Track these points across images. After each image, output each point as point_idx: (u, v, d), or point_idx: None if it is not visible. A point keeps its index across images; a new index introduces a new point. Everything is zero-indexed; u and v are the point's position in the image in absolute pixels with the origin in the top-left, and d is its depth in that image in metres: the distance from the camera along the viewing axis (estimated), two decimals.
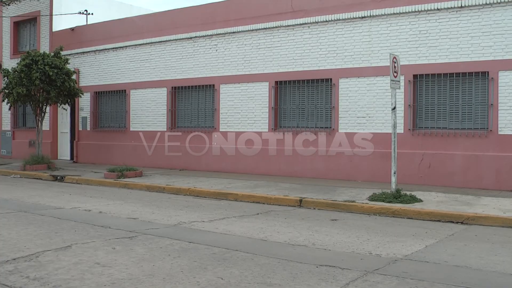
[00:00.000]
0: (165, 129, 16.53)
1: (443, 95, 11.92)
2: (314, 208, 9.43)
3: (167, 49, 16.61)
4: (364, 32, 12.78)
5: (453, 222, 8.07)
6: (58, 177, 14.39)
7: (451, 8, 11.58)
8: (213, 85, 15.52)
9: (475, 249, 6.30)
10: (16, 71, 16.14)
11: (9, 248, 6.11)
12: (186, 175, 14.39)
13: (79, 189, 12.40)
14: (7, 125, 22.20)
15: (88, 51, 18.95)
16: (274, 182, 12.45)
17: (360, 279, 4.92)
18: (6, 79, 16.65)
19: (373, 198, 9.52)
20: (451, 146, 11.65)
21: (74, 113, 19.62)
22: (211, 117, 15.74)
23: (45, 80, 15.87)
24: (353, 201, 9.38)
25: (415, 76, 12.12)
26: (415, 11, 12.02)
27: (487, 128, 11.27)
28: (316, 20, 13.42)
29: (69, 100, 17.16)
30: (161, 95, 16.73)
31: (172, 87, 16.50)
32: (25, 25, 21.82)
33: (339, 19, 13.10)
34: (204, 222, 7.94)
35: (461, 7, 11.47)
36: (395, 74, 9.66)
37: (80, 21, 19.87)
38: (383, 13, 12.43)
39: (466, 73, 11.50)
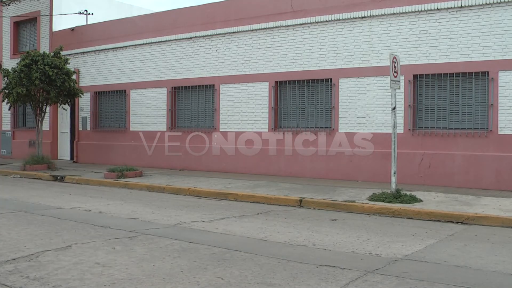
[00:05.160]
0: (165, 129, 16.53)
1: (443, 95, 11.92)
2: (314, 208, 9.43)
3: (167, 49, 16.61)
4: (364, 32, 12.78)
5: (453, 222, 8.07)
6: (58, 177, 14.38)
7: (451, 8, 11.58)
8: (213, 85, 15.52)
9: (475, 249, 6.30)
10: (16, 71, 16.13)
11: (9, 248, 6.11)
12: (186, 175, 14.38)
13: (79, 189, 12.40)
14: (7, 125, 22.19)
15: (88, 51, 18.95)
16: (274, 182, 12.45)
17: (360, 279, 4.92)
18: (6, 79, 16.65)
19: (373, 198, 9.52)
20: (451, 146, 11.64)
21: (74, 113, 19.62)
22: (211, 117, 15.74)
23: (45, 80, 15.86)
24: (353, 201, 9.38)
25: (415, 76, 12.12)
26: (415, 11, 12.02)
27: (487, 128, 11.26)
28: (316, 20, 13.42)
29: (69, 100, 17.16)
30: (161, 95, 16.73)
31: (172, 87, 16.50)
32: (25, 25, 21.81)
33: (339, 19, 13.10)
34: (204, 222, 7.94)
35: (461, 7, 11.47)
36: (395, 74, 9.66)
37: (80, 21, 19.87)
38: (383, 13, 12.43)
39: (466, 73, 11.50)
